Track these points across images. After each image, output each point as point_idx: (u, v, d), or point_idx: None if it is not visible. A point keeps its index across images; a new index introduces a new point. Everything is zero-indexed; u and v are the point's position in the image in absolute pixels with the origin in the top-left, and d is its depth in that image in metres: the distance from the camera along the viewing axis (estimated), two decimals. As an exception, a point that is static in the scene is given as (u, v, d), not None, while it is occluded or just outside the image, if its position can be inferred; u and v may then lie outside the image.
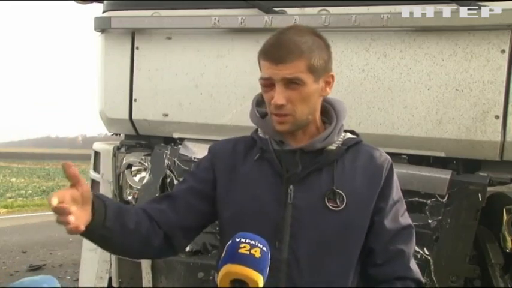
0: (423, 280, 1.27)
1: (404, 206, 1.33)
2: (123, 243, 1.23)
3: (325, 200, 1.23)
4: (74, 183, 1.05)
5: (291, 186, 1.25)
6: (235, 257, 0.94)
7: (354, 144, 1.30)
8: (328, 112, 1.33)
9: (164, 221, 1.28)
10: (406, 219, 1.30)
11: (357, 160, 1.29)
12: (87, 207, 1.09)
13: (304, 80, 1.20)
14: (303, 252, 1.23)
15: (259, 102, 1.36)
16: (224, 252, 0.97)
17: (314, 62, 1.21)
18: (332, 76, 1.28)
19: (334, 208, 1.23)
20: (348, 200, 1.24)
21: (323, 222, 1.23)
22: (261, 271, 0.94)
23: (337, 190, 1.24)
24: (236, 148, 1.35)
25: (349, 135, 1.34)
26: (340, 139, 1.30)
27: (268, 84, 1.23)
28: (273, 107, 1.22)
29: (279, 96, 1.20)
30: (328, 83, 1.28)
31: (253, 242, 0.96)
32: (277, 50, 1.21)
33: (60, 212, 0.99)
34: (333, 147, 1.28)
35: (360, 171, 1.27)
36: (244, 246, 0.95)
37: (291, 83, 1.20)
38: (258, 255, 0.94)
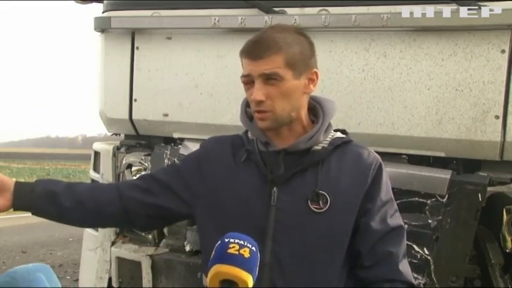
0: (414, 282, 1.25)
1: (395, 207, 1.29)
2: (63, 218, 1.36)
3: (308, 202, 1.21)
4: None
5: (275, 188, 1.23)
6: (224, 257, 0.93)
7: (342, 144, 1.28)
8: (317, 111, 1.31)
9: (128, 196, 1.35)
10: (395, 220, 1.27)
11: (344, 160, 1.26)
12: (5, 194, 1.28)
13: (282, 75, 1.19)
14: (286, 256, 1.21)
15: (248, 104, 1.35)
16: (213, 253, 0.96)
17: (293, 58, 1.20)
18: (316, 73, 1.26)
19: (317, 210, 1.21)
20: (333, 201, 1.21)
21: (306, 225, 1.21)
22: (250, 271, 0.93)
23: (321, 191, 1.22)
24: (226, 148, 1.34)
25: (338, 134, 1.31)
26: (327, 139, 1.28)
27: (248, 81, 1.24)
28: (254, 103, 1.23)
29: (257, 92, 1.21)
30: (311, 80, 1.26)
31: (242, 242, 0.95)
32: (255, 46, 1.22)
33: None
34: (318, 147, 1.26)
35: (346, 172, 1.25)
36: (233, 246, 0.94)
37: (270, 78, 1.20)
38: (247, 255, 0.94)
